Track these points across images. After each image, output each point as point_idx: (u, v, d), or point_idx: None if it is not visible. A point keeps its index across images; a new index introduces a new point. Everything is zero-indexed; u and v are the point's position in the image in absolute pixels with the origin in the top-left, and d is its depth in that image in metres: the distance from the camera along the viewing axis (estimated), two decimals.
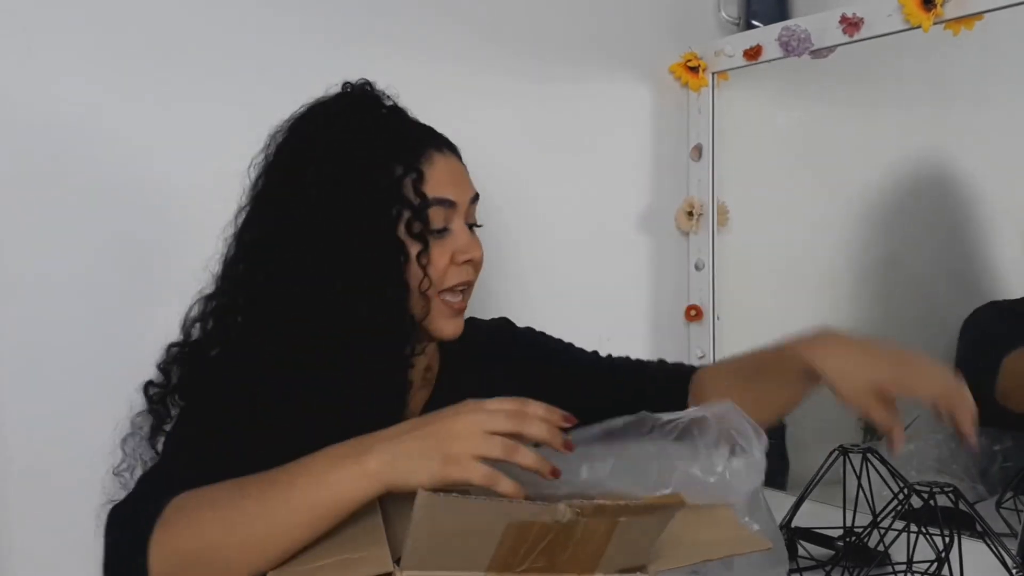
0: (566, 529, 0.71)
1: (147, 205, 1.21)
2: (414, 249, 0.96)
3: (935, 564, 1.22)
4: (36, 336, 1.15)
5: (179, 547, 0.77)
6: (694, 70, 1.65)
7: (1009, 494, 1.32)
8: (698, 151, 1.68)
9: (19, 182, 1.15)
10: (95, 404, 1.12)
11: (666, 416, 0.90)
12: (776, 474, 1.62)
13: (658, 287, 1.69)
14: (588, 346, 1.19)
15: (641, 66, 1.66)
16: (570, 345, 1.19)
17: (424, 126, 1.04)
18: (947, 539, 1.22)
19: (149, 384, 1.01)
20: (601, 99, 1.62)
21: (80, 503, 1.09)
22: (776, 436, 1.61)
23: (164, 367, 1.01)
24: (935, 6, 1.30)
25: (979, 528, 1.14)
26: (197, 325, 1.01)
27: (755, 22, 1.62)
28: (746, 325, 1.69)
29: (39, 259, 1.16)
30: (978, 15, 1.28)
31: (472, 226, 1.03)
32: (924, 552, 1.24)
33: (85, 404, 1.15)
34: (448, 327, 1.01)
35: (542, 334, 1.20)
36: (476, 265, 1.02)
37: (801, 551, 1.29)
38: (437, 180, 0.98)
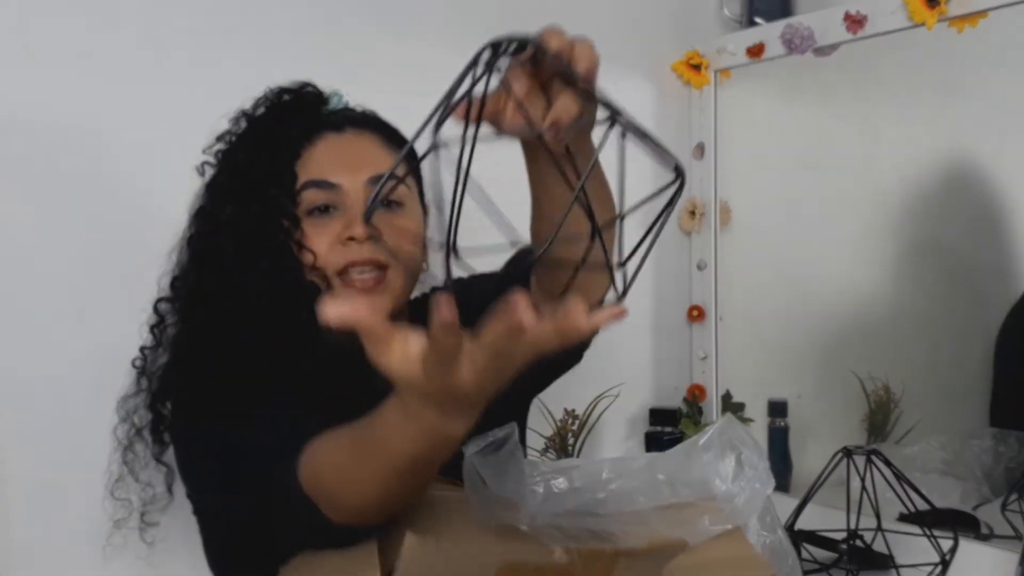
0: (562, 571, 0.70)
1: (147, 206, 1.20)
2: (294, 230, 0.96)
3: (938, 567, 1.22)
4: (34, 336, 1.15)
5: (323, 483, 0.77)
6: (696, 68, 1.65)
7: (1014, 496, 1.31)
8: (700, 150, 1.67)
9: (17, 183, 1.14)
10: (94, 404, 1.11)
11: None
12: (779, 476, 1.61)
13: (660, 287, 1.68)
14: (589, 346, 1.18)
15: (643, 64, 1.65)
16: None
17: (339, 112, 1.03)
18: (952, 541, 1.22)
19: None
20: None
21: (79, 503, 1.09)
22: (779, 438, 1.61)
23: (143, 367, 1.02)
24: (939, 3, 1.29)
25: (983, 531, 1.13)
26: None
27: (758, 19, 1.61)
28: (749, 325, 1.68)
29: (37, 259, 1.15)
30: (982, 12, 1.28)
31: (392, 202, 0.99)
32: (928, 555, 1.23)
33: (84, 404, 1.15)
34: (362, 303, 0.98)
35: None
36: (363, 241, 0.96)
37: (804, 554, 1.29)
38: (317, 161, 0.98)
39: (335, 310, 0.59)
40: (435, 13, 1.43)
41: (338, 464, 0.77)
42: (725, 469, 0.84)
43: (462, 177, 0.57)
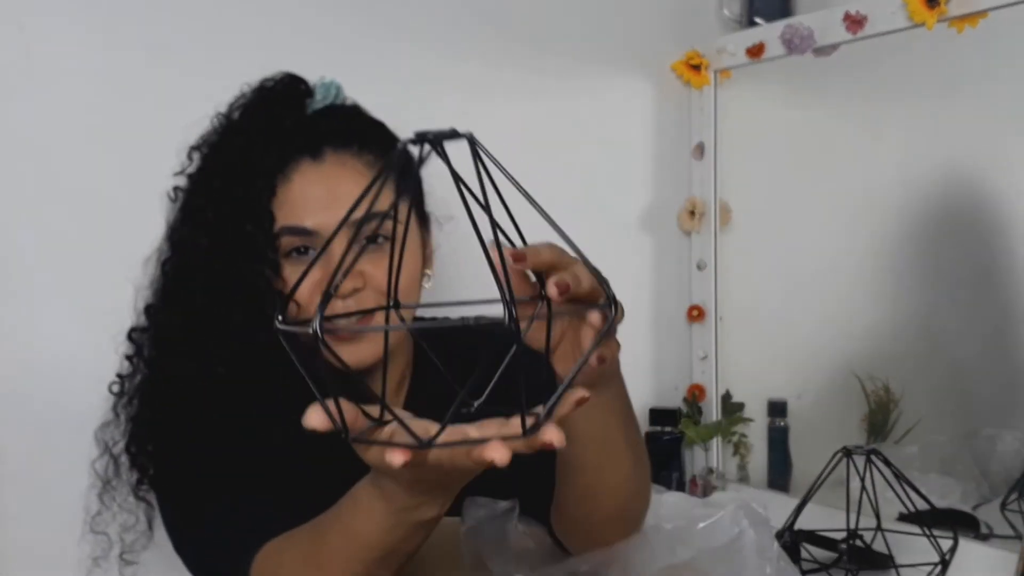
0: None
1: (148, 208, 1.20)
2: (274, 278, 0.90)
3: (938, 566, 1.22)
4: (32, 336, 1.15)
5: None
6: (696, 68, 1.65)
7: (1014, 496, 1.31)
8: (700, 150, 1.67)
9: (18, 183, 1.14)
10: (92, 404, 1.11)
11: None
12: (779, 476, 1.61)
13: (660, 287, 1.68)
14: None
15: (643, 64, 1.65)
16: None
17: (314, 123, 0.94)
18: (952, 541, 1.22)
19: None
20: (603, 97, 1.61)
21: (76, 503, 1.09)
22: (779, 437, 1.61)
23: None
24: (939, 4, 1.29)
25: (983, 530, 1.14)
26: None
27: (758, 20, 1.61)
28: (749, 325, 1.68)
29: (36, 261, 1.15)
30: (982, 13, 1.28)
31: (378, 237, 0.93)
32: (927, 554, 1.23)
33: (82, 404, 1.15)
34: (342, 352, 0.95)
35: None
36: (347, 296, 0.90)
37: (804, 554, 1.29)
38: (292, 203, 0.91)
39: (316, 419, 0.60)
40: (429, 17, 1.43)
41: (304, 555, 0.78)
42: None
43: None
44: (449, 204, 1.05)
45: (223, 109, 0.96)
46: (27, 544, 1.15)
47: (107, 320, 1.16)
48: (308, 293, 0.91)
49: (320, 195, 0.91)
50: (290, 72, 0.96)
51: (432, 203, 1.04)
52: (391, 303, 0.66)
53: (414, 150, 0.59)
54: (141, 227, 1.20)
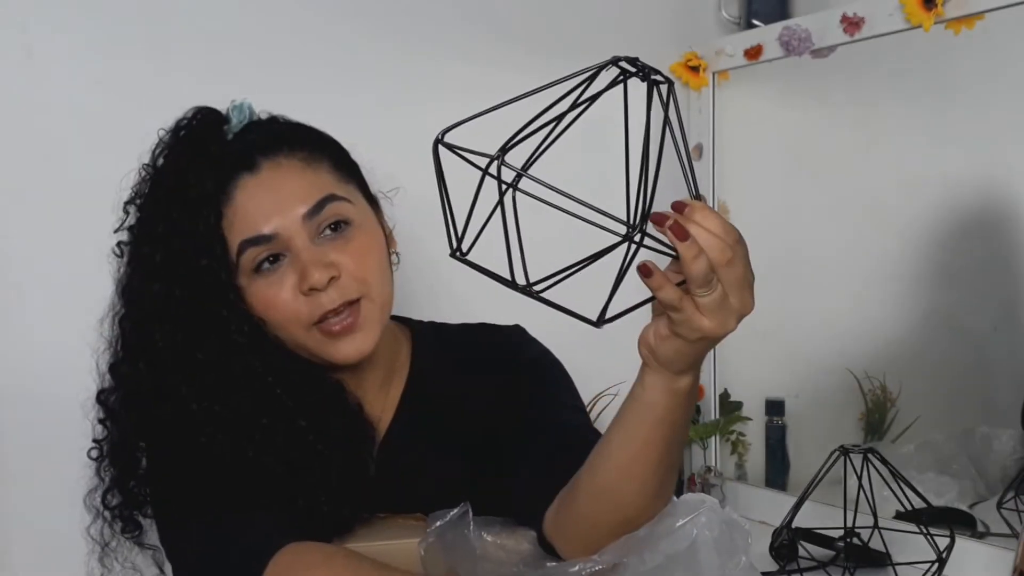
0: None
1: None
2: (240, 303, 0.90)
3: (935, 564, 1.22)
4: (31, 336, 1.15)
5: None
6: (695, 69, 1.65)
7: (1010, 494, 1.32)
8: (699, 151, 1.67)
9: (18, 183, 1.15)
10: (89, 405, 1.12)
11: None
12: (777, 475, 1.62)
13: None
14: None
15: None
16: (554, 400, 1.03)
17: (239, 142, 0.94)
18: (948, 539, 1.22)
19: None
20: (601, 97, 1.61)
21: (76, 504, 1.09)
22: (777, 436, 1.62)
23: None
24: (936, 6, 1.30)
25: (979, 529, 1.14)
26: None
27: (756, 21, 1.62)
28: (747, 325, 1.68)
29: (36, 261, 1.16)
30: (979, 15, 1.28)
31: (338, 223, 0.93)
32: (924, 553, 1.24)
33: (79, 405, 1.15)
34: (338, 351, 0.93)
35: (544, 373, 1.06)
36: (326, 287, 0.90)
37: (802, 551, 1.29)
38: (243, 216, 0.91)
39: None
40: (426, 19, 1.43)
41: None
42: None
43: None
44: (394, 177, 1.06)
45: (146, 159, 0.95)
46: (28, 543, 1.15)
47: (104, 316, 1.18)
48: (290, 298, 0.91)
49: (267, 200, 0.92)
50: (200, 106, 0.96)
51: (376, 181, 1.04)
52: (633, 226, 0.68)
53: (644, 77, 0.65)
54: None
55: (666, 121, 0.60)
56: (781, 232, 1.68)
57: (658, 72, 0.63)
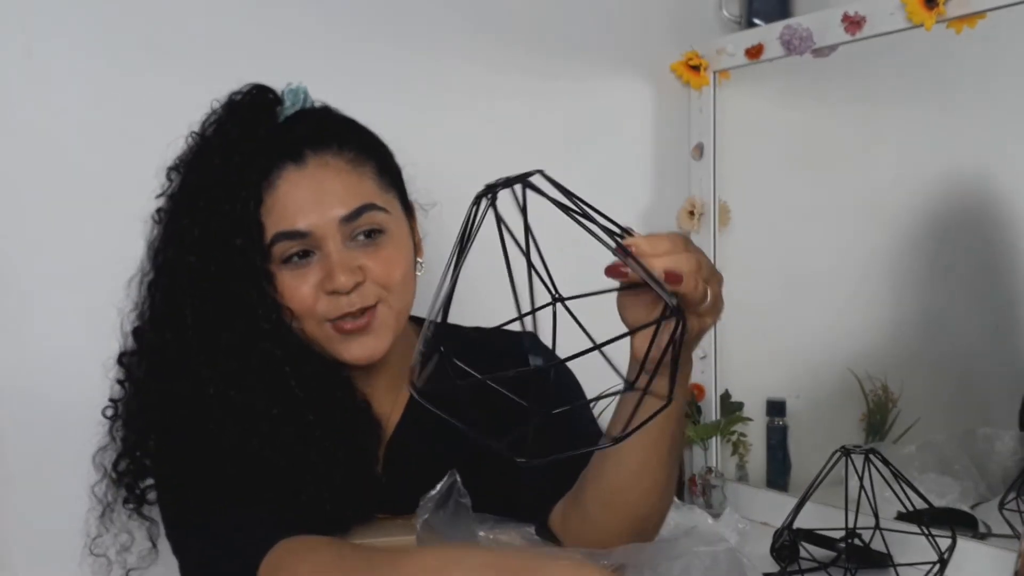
0: None
1: (147, 207, 1.21)
2: (268, 287, 0.91)
3: (936, 565, 1.22)
4: (31, 337, 1.15)
5: None
6: (695, 69, 1.65)
7: (1012, 495, 1.31)
8: (699, 150, 1.67)
9: (18, 183, 1.15)
10: (90, 405, 1.12)
11: None
12: (778, 475, 1.61)
13: None
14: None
15: (642, 65, 1.65)
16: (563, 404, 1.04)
17: (289, 129, 0.95)
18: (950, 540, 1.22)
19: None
20: (602, 97, 1.61)
21: (76, 504, 1.09)
22: (778, 437, 1.61)
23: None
24: (937, 4, 1.29)
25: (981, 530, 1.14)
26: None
27: (757, 20, 1.62)
28: (747, 325, 1.68)
29: (36, 261, 1.16)
30: (980, 13, 1.28)
31: (372, 231, 0.94)
32: (926, 554, 1.24)
33: (80, 406, 1.15)
34: (348, 351, 0.95)
35: (554, 378, 1.06)
36: (348, 291, 0.92)
37: (803, 552, 1.29)
38: (282, 208, 0.91)
39: None
40: (429, 18, 1.43)
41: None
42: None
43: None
44: (431, 192, 1.07)
45: (196, 128, 0.96)
46: (29, 543, 1.15)
47: (108, 315, 1.18)
48: (312, 294, 0.92)
49: (308, 197, 0.92)
50: (256, 83, 0.96)
51: (414, 191, 1.05)
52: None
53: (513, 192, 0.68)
54: (141, 226, 1.21)
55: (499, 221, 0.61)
56: (782, 232, 1.68)
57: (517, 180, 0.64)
